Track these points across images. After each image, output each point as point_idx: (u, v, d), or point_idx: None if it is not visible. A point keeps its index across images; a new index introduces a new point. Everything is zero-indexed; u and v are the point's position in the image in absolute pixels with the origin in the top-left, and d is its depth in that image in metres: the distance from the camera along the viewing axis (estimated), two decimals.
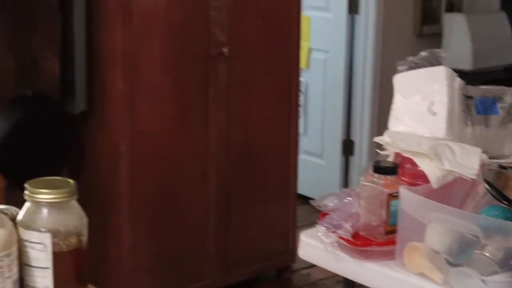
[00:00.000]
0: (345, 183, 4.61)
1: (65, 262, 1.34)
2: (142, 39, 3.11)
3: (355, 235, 1.82)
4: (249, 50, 3.46)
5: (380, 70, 4.49)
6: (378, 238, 1.80)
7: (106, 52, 3.11)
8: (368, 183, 1.81)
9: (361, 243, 1.81)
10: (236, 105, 3.46)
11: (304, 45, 4.34)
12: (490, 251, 1.57)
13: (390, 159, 1.91)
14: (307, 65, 4.74)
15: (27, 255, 1.32)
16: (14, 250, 1.29)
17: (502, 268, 1.57)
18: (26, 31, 3.04)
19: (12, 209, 1.42)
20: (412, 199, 1.71)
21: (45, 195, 1.33)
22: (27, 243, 1.32)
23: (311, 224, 1.94)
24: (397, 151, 1.89)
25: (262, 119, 3.58)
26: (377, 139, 1.97)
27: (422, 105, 1.96)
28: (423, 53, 2.07)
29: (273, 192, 3.69)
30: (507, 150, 2.00)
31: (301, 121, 4.11)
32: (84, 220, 1.37)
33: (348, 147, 4.67)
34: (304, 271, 3.87)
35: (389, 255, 1.77)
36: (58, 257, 1.32)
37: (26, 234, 1.32)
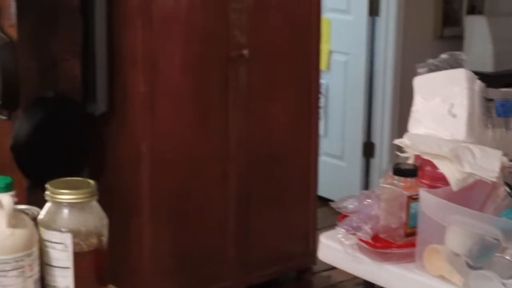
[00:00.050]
0: (366, 185, 4.60)
1: (86, 262, 1.35)
2: (163, 41, 3.12)
3: (375, 237, 1.82)
4: (269, 52, 3.47)
5: (401, 72, 4.48)
6: (397, 240, 1.79)
7: (127, 54, 3.12)
8: (388, 185, 1.81)
9: (380, 245, 1.81)
10: (256, 107, 3.47)
11: (324, 47, 4.34)
12: (511, 254, 1.56)
13: (410, 161, 1.91)
14: (328, 67, 4.74)
15: (48, 255, 1.34)
16: (35, 250, 1.30)
17: None
18: (48, 33, 3.05)
19: (33, 209, 1.43)
20: (432, 201, 1.71)
21: (66, 196, 1.34)
22: (48, 243, 1.33)
23: (331, 226, 1.94)
24: (417, 153, 1.89)
25: (282, 121, 3.58)
26: (397, 141, 1.97)
27: (442, 108, 1.96)
28: (444, 56, 2.06)
29: (293, 194, 3.69)
30: None
31: (322, 123, 4.11)
32: (105, 220, 1.38)
33: (368, 149, 4.66)
34: (324, 273, 3.86)
35: (409, 258, 1.77)
36: (78, 257, 1.33)
37: (47, 234, 1.33)
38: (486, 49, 4.54)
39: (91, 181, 1.39)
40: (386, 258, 1.80)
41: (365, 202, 1.90)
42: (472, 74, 1.99)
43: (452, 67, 2.03)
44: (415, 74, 2.05)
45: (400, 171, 1.80)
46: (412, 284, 1.75)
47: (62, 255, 1.33)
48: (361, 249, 1.84)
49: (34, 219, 1.36)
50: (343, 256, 1.86)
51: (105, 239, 1.38)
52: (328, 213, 3.57)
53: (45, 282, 1.34)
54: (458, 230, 1.65)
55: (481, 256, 1.61)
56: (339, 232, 1.86)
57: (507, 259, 1.56)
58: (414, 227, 1.77)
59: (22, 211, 1.36)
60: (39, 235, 1.33)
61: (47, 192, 1.36)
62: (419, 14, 4.57)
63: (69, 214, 1.34)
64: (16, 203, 1.31)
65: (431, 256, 1.71)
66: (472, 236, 1.62)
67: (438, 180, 1.83)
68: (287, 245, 3.70)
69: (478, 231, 1.61)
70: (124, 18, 3.10)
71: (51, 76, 3.07)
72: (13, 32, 2.94)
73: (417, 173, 1.81)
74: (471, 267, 1.62)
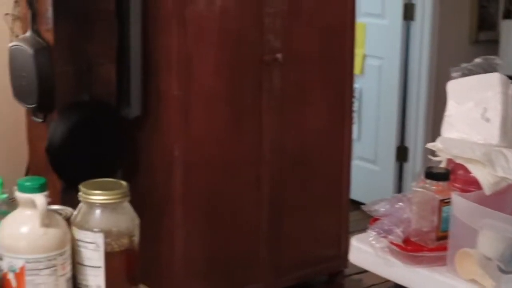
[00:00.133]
0: (399, 189, 4.58)
1: (117, 262, 1.36)
2: (197, 45, 3.14)
3: (406, 241, 1.81)
4: (303, 56, 3.47)
5: (435, 77, 4.45)
6: (429, 244, 1.79)
7: (161, 58, 3.15)
8: (420, 189, 1.80)
9: (412, 248, 1.80)
10: (290, 111, 3.47)
11: (359, 51, 4.33)
12: None
13: (443, 165, 1.91)
14: (362, 72, 4.73)
15: (80, 254, 1.35)
16: (67, 249, 1.32)
17: None
18: (84, 37, 3.09)
19: (66, 209, 1.45)
20: (464, 205, 1.70)
21: (98, 196, 1.36)
22: (80, 243, 1.35)
23: (364, 230, 1.94)
24: (450, 157, 1.88)
25: (315, 125, 3.58)
26: (430, 145, 1.96)
27: (476, 112, 1.95)
28: (478, 60, 2.05)
29: (326, 197, 3.68)
30: None
31: (355, 127, 4.10)
32: (136, 221, 1.39)
33: (402, 154, 4.64)
34: (355, 277, 3.85)
35: (440, 261, 1.76)
36: (110, 256, 1.35)
37: (80, 234, 1.35)
38: None
39: (124, 182, 1.41)
40: (417, 261, 1.79)
41: (397, 206, 1.90)
42: (506, 78, 1.97)
43: (486, 71, 2.02)
44: (450, 78, 2.05)
45: (432, 174, 1.79)
46: None
47: (94, 255, 1.35)
48: (392, 252, 1.83)
49: (67, 219, 1.38)
50: (374, 259, 1.86)
51: (136, 239, 1.39)
52: (360, 217, 3.57)
53: (77, 281, 1.36)
54: (490, 234, 1.64)
55: None
56: (371, 235, 1.86)
57: None
58: (445, 230, 1.76)
59: (55, 211, 1.38)
60: (72, 235, 1.35)
61: (80, 193, 1.38)
62: (454, 18, 4.54)
63: (101, 214, 1.36)
64: (50, 203, 1.33)
65: (462, 260, 1.70)
66: (504, 240, 1.61)
67: (470, 184, 1.82)
68: (319, 248, 3.70)
69: (510, 235, 1.60)
70: (158, 22, 3.12)
71: (87, 80, 3.10)
72: (49, 37, 2.98)
73: (449, 177, 1.80)
74: (503, 271, 1.61)
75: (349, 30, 3.61)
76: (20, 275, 1.27)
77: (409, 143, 4.61)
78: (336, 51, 3.58)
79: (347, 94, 3.67)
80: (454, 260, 1.71)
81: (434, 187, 1.78)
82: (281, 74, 3.40)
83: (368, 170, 4.76)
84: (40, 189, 1.30)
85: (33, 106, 2.99)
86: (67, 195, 2.76)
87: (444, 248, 1.75)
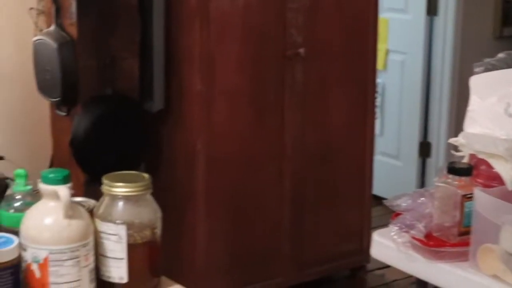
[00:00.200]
0: (422, 185, 4.56)
1: (139, 254, 1.37)
2: (219, 40, 3.14)
3: (428, 236, 1.81)
4: (325, 51, 3.46)
5: (459, 72, 4.43)
6: (451, 239, 1.79)
7: (184, 53, 3.16)
8: (442, 184, 1.80)
9: (434, 243, 1.80)
10: (312, 106, 3.47)
11: (381, 46, 4.32)
12: None
13: (465, 160, 1.90)
14: (385, 67, 4.71)
15: (103, 246, 1.36)
16: (90, 240, 1.33)
17: None
18: (107, 32, 3.10)
19: (89, 201, 1.46)
20: (486, 200, 1.70)
21: (121, 189, 1.37)
22: (103, 234, 1.36)
23: (386, 225, 1.94)
24: (473, 152, 1.88)
25: (338, 120, 3.57)
26: (452, 141, 1.96)
27: (499, 107, 1.94)
28: (501, 55, 2.05)
29: (348, 192, 3.68)
30: None
31: (378, 122, 4.09)
32: (158, 213, 1.40)
33: (425, 149, 4.63)
34: (378, 272, 3.85)
35: (463, 256, 1.76)
36: (132, 248, 1.36)
37: (102, 226, 1.36)
38: None
39: (146, 175, 1.41)
40: (439, 256, 1.79)
41: (419, 201, 1.90)
42: None
43: (509, 66, 2.01)
44: (473, 73, 2.04)
45: (455, 169, 1.79)
46: (465, 283, 1.74)
47: (116, 247, 1.36)
48: (414, 247, 1.83)
49: (90, 211, 1.39)
50: (396, 254, 1.86)
51: (158, 231, 1.40)
52: (382, 212, 3.56)
53: (99, 272, 1.37)
54: None
55: None
56: (392, 230, 1.86)
57: None
58: (468, 226, 1.76)
59: (78, 203, 1.39)
60: (95, 227, 1.36)
61: (103, 185, 1.39)
62: (478, 13, 4.51)
63: (124, 206, 1.37)
64: (73, 196, 1.34)
65: (484, 255, 1.69)
66: None
67: (493, 179, 1.81)
68: (341, 243, 3.69)
69: None
70: (181, 17, 3.13)
71: (110, 74, 3.12)
72: (73, 31, 2.99)
73: (472, 172, 1.79)
74: None
75: (372, 25, 3.60)
76: (44, 265, 1.29)
77: (432, 138, 4.60)
78: (359, 46, 3.58)
79: (370, 89, 3.67)
80: (476, 255, 1.71)
81: (456, 182, 1.77)
82: (304, 69, 3.39)
83: (391, 166, 4.75)
84: (64, 180, 1.31)
85: (57, 99, 3.01)
86: (90, 188, 2.78)
87: (466, 244, 1.75)
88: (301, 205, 3.51)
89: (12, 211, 1.39)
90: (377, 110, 3.91)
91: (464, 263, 1.75)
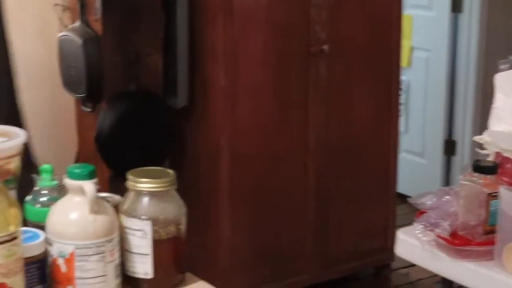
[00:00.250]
0: (446, 183, 4.54)
1: (164, 250, 1.38)
2: (243, 36, 3.14)
3: (453, 234, 1.80)
4: (349, 48, 3.46)
5: (483, 70, 4.40)
6: (476, 238, 1.77)
7: (208, 48, 3.16)
8: (468, 182, 1.79)
9: (459, 242, 1.79)
10: (336, 102, 3.46)
11: (406, 43, 4.30)
12: None
13: (490, 158, 1.89)
14: (409, 64, 4.69)
15: (128, 242, 1.37)
16: (116, 236, 1.33)
17: None
18: (131, 28, 3.11)
19: (114, 197, 1.47)
20: None
21: (146, 184, 1.37)
22: (128, 230, 1.37)
23: (410, 223, 1.93)
24: (498, 150, 1.87)
25: (362, 117, 3.56)
26: (477, 138, 1.95)
27: None
28: None
29: (372, 190, 3.67)
30: None
31: (402, 120, 4.07)
32: (183, 209, 1.41)
33: (450, 147, 4.60)
34: (402, 270, 3.83)
35: (488, 255, 1.75)
36: (157, 244, 1.36)
37: (128, 221, 1.37)
38: None
39: (171, 171, 1.42)
40: (464, 255, 1.78)
41: (444, 199, 1.89)
42: None
43: None
44: (498, 71, 2.03)
45: (480, 168, 1.78)
46: (491, 282, 1.73)
47: (141, 242, 1.36)
48: (439, 245, 1.82)
49: (115, 206, 1.40)
50: (420, 252, 1.85)
51: (183, 227, 1.40)
52: (407, 211, 3.54)
53: (124, 268, 1.38)
54: None
55: None
56: (417, 228, 1.86)
57: None
58: (493, 224, 1.75)
59: (104, 198, 1.40)
60: (120, 222, 1.37)
61: (128, 181, 1.39)
62: (503, 10, 4.48)
63: (149, 202, 1.37)
64: (99, 191, 1.35)
65: (510, 254, 1.68)
66: None
67: None
68: (365, 241, 3.69)
69: None
70: (205, 13, 3.14)
71: (134, 70, 3.13)
72: (98, 27, 3.01)
73: (497, 170, 1.78)
74: None
75: (396, 22, 3.58)
76: (69, 260, 1.29)
77: (457, 136, 4.57)
78: (382, 43, 3.56)
79: (394, 86, 3.65)
80: (501, 254, 1.70)
81: (481, 181, 1.76)
82: (327, 66, 3.39)
83: (415, 163, 4.73)
84: (89, 176, 1.32)
85: (82, 95, 3.03)
86: (115, 184, 2.79)
87: (492, 243, 1.74)
88: (325, 202, 3.50)
89: (38, 206, 1.40)
90: (402, 108, 3.89)
91: (489, 262, 1.74)
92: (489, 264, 1.74)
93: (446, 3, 4.48)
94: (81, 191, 1.31)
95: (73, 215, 1.31)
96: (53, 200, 1.37)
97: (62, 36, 3.02)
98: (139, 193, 1.38)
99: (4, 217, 1.18)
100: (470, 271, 1.77)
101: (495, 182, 1.76)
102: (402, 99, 3.91)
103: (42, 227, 1.33)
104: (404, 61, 4.09)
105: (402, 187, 4.02)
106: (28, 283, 1.26)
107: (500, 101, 1.99)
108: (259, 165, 3.29)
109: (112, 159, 3.00)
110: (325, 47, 3.34)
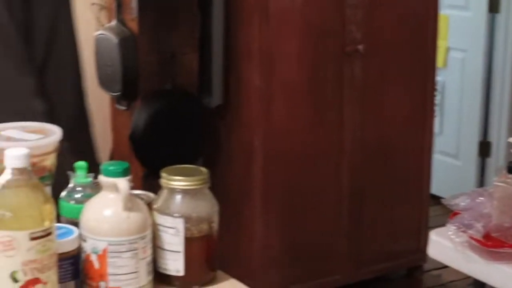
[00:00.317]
0: (481, 185, 4.50)
1: (196, 247, 1.38)
2: (278, 36, 3.15)
3: (487, 236, 1.79)
4: (385, 48, 3.44)
5: None
6: (510, 240, 1.77)
7: (243, 48, 3.17)
8: (502, 184, 1.78)
9: (492, 244, 1.78)
10: (371, 102, 3.45)
11: (441, 44, 4.27)
12: None
13: None
14: (444, 64, 4.66)
15: (160, 239, 1.38)
16: (148, 233, 1.35)
17: None
18: (167, 27, 3.13)
19: (148, 194, 1.48)
20: None
21: (179, 182, 1.38)
22: (160, 227, 1.38)
23: (444, 224, 1.93)
24: None
25: (396, 118, 3.55)
26: None
27: None
28: None
29: (406, 191, 3.65)
30: None
31: (437, 121, 4.04)
32: (216, 207, 1.41)
33: (484, 148, 4.56)
34: (435, 272, 3.81)
35: None
36: (189, 242, 1.37)
37: (160, 219, 1.38)
38: None
39: (204, 169, 1.43)
40: (498, 257, 1.77)
41: (478, 200, 1.88)
42: None
43: None
44: None
45: None
46: None
47: (174, 240, 1.37)
48: (472, 247, 1.81)
49: (149, 204, 1.41)
50: (453, 253, 1.85)
51: (215, 225, 1.41)
52: (440, 212, 3.53)
53: (156, 265, 1.39)
54: None
55: None
56: (450, 229, 1.85)
57: None
58: None
59: (137, 195, 1.41)
60: (153, 220, 1.38)
61: (161, 179, 1.41)
62: None
63: (182, 200, 1.38)
64: (132, 188, 1.36)
65: None
66: None
67: None
68: (398, 241, 3.67)
69: None
70: (241, 12, 3.14)
71: (170, 69, 3.14)
72: (134, 26, 3.03)
73: None
74: None
75: (432, 22, 3.57)
76: (102, 257, 1.31)
77: (492, 137, 4.53)
78: (418, 43, 3.55)
79: (429, 87, 3.63)
80: None
81: None
82: (363, 66, 3.38)
83: (450, 165, 4.70)
84: (123, 173, 1.33)
85: (117, 94, 3.05)
86: (148, 181, 2.81)
87: None
88: (359, 202, 3.50)
89: (72, 202, 1.41)
90: (436, 108, 3.87)
91: None
92: None
93: (483, 3, 4.44)
94: (115, 188, 1.32)
95: (107, 212, 1.32)
96: (87, 197, 1.39)
97: (99, 35, 3.05)
98: (172, 191, 1.39)
99: (39, 213, 1.19)
100: (503, 273, 1.76)
101: None
102: (437, 100, 3.89)
103: (76, 224, 1.35)
104: (439, 62, 4.06)
105: (436, 188, 4.00)
106: (61, 278, 1.28)
107: None
108: (293, 165, 3.29)
109: (146, 157, 3.02)
110: (360, 47, 3.33)
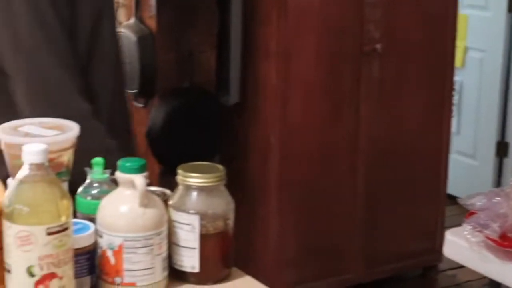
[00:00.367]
0: (498, 185, 4.47)
1: (211, 244, 1.39)
2: (296, 35, 3.15)
3: (503, 236, 1.79)
4: (403, 47, 3.44)
5: None
6: None
7: (261, 47, 3.17)
8: None
9: (508, 244, 1.78)
10: (388, 102, 3.45)
11: (460, 43, 4.25)
12: None
13: None
14: (463, 64, 4.65)
15: (176, 235, 1.38)
16: (164, 229, 1.35)
17: None
18: (185, 25, 3.14)
19: (164, 191, 1.49)
20: None
21: (195, 179, 1.38)
22: (176, 224, 1.38)
23: (460, 224, 1.92)
24: None
25: (414, 117, 3.54)
26: None
27: None
28: None
29: (422, 190, 3.65)
30: None
31: (454, 121, 4.03)
32: (231, 205, 1.42)
33: (502, 149, 4.54)
34: (450, 272, 3.80)
35: None
36: (205, 238, 1.38)
37: (176, 215, 1.38)
38: None
39: (220, 166, 1.43)
40: None
41: (494, 200, 1.87)
42: None
43: None
44: None
45: None
46: None
47: (189, 236, 1.38)
48: (488, 247, 1.81)
49: (165, 200, 1.41)
50: (469, 253, 1.84)
51: (231, 222, 1.41)
52: (457, 212, 3.52)
53: (172, 261, 1.39)
54: None
55: None
56: (466, 229, 1.85)
57: None
58: None
59: (154, 192, 1.41)
60: (169, 216, 1.38)
61: (178, 175, 1.41)
62: None
63: (197, 197, 1.39)
64: (149, 185, 1.37)
65: None
66: None
67: None
68: (413, 241, 3.66)
69: None
70: (259, 10, 3.15)
71: (188, 67, 3.15)
72: (152, 24, 3.04)
73: None
74: None
75: (451, 22, 3.56)
76: (118, 252, 1.31)
77: (510, 138, 4.51)
78: (437, 43, 3.54)
79: (447, 86, 3.62)
80: None
81: None
82: (380, 65, 3.38)
83: (467, 165, 4.68)
84: (140, 169, 1.33)
85: (135, 91, 3.07)
86: (165, 178, 2.82)
87: None
88: (374, 201, 3.49)
89: (89, 198, 1.42)
90: (454, 108, 3.86)
91: None
92: None
93: (503, 3, 4.42)
94: (132, 185, 1.33)
95: (123, 208, 1.33)
96: (103, 193, 1.39)
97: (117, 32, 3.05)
98: (188, 188, 1.39)
99: (56, 208, 1.20)
100: None
101: None
102: (454, 99, 3.88)
103: (92, 219, 1.36)
104: (458, 62, 4.05)
105: (453, 188, 3.98)
106: (77, 273, 1.29)
107: None
108: (309, 164, 3.30)
109: (162, 154, 3.03)
110: (378, 46, 3.33)
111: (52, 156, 1.35)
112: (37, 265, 1.20)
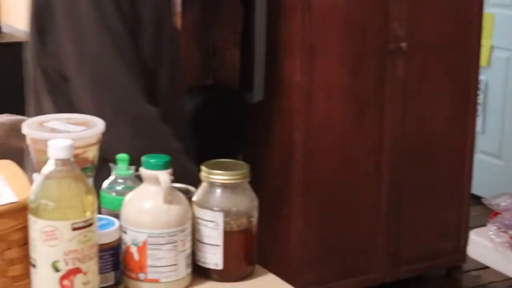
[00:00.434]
0: None
1: (235, 241, 1.39)
2: (321, 32, 3.14)
3: None
4: (428, 46, 3.42)
5: None
6: None
7: (285, 44, 3.17)
8: None
9: None
10: (413, 101, 3.43)
11: (486, 42, 4.23)
12: None
13: None
14: (488, 63, 4.62)
15: (199, 232, 1.39)
16: (188, 226, 1.35)
17: None
18: (210, 22, 3.14)
19: (188, 188, 1.49)
20: None
21: (219, 176, 1.39)
22: (200, 221, 1.39)
23: (484, 224, 1.91)
24: None
25: (438, 116, 3.53)
26: None
27: None
28: None
29: (446, 190, 3.63)
30: None
31: (479, 120, 4.01)
32: (255, 202, 1.42)
33: None
34: (474, 273, 3.78)
35: None
36: (228, 236, 1.38)
37: (200, 212, 1.39)
38: None
39: (244, 163, 1.43)
40: None
41: None
42: None
43: None
44: None
45: None
46: None
47: (213, 233, 1.38)
48: None
49: (189, 197, 1.42)
50: (493, 253, 1.83)
51: (254, 220, 1.41)
52: (481, 212, 3.50)
53: (195, 258, 1.40)
54: None
55: None
56: (490, 229, 1.84)
57: None
58: None
59: (178, 189, 1.42)
60: (193, 213, 1.39)
61: (202, 172, 1.41)
62: None
63: (221, 194, 1.39)
64: (173, 181, 1.37)
65: None
66: None
67: None
68: (437, 241, 3.65)
69: None
70: (283, 8, 3.15)
71: (211, 64, 3.16)
72: (177, 21, 3.04)
73: None
74: None
75: (477, 20, 3.53)
76: (142, 249, 1.32)
77: None
78: (462, 42, 3.52)
79: (472, 86, 3.60)
80: None
81: None
82: (405, 64, 3.36)
83: (492, 165, 4.66)
84: (164, 166, 1.34)
85: None
86: None
87: None
88: (398, 201, 3.48)
89: (113, 194, 1.43)
90: (479, 108, 3.84)
91: None
92: None
93: None
94: (156, 181, 1.33)
95: (147, 204, 1.33)
96: (128, 189, 1.40)
97: None
98: (212, 185, 1.40)
99: (81, 204, 1.21)
100: None
101: None
102: (479, 99, 3.86)
103: (116, 215, 1.36)
104: (483, 61, 4.03)
105: (477, 188, 3.96)
106: (101, 269, 1.29)
107: None
108: (333, 162, 3.29)
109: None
110: (403, 44, 3.31)
111: (78, 151, 1.36)
112: (62, 260, 1.20)
